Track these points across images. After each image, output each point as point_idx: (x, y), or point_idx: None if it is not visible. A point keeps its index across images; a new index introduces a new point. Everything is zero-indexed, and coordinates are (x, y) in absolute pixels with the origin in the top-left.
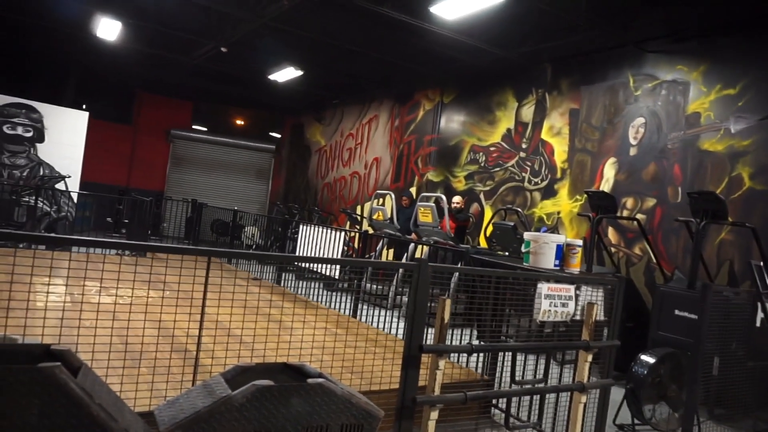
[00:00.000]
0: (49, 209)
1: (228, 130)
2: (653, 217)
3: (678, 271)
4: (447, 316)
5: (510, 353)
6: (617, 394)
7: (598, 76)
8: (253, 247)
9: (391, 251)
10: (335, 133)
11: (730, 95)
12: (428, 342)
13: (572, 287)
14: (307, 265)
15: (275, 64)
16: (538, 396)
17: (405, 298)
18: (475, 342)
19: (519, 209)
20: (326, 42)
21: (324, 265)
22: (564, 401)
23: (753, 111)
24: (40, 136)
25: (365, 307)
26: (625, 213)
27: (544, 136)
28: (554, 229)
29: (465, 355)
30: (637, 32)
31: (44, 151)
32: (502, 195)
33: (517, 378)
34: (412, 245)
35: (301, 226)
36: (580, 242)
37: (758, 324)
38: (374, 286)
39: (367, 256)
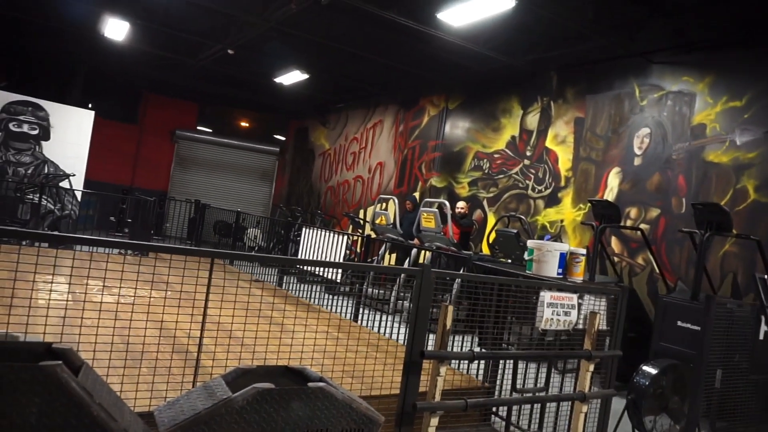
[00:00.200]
0: (53, 207)
1: (233, 131)
2: (657, 227)
3: (681, 282)
4: (449, 323)
5: (511, 361)
6: (618, 404)
7: (603, 85)
8: (255, 249)
9: (394, 256)
10: (339, 136)
11: (736, 107)
12: (430, 348)
13: (575, 296)
14: (309, 268)
15: (281, 67)
16: (539, 405)
17: (406, 304)
18: (477, 349)
19: (522, 217)
20: (332, 46)
21: (326, 269)
22: (565, 410)
23: (759, 123)
24: (45, 134)
25: (367, 311)
26: (629, 223)
27: (548, 144)
28: (557, 238)
29: (466, 361)
30: (644, 42)
31: (49, 149)
32: (506, 202)
33: (518, 386)
34: (414, 250)
35: (303, 229)
36: (583, 251)
37: (761, 337)
38: (376, 291)
39: (369, 260)
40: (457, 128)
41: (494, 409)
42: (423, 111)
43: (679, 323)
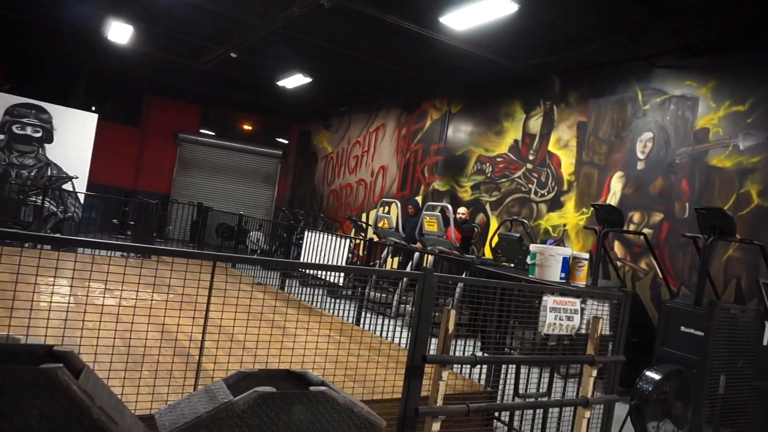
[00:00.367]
0: (55, 209)
1: (235, 134)
2: (660, 231)
3: (684, 287)
4: (451, 327)
5: (514, 366)
6: (621, 410)
7: (606, 89)
8: (258, 252)
9: (396, 259)
10: (342, 140)
11: (740, 112)
12: (432, 352)
13: (578, 301)
14: (311, 271)
15: (284, 70)
16: (542, 410)
17: (409, 307)
18: (479, 353)
19: (525, 221)
20: (335, 50)
21: (328, 272)
22: (567, 416)
23: (762, 128)
24: (48, 137)
25: (369, 315)
26: (632, 227)
27: (551, 148)
28: (560, 242)
29: (468, 366)
30: (646, 46)
31: (52, 152)
32: (508, 206)
33: (520, 391)
34: (417, 254)
35: (306, 232)
36: (586, 255)
37: (765, 343)
38: (378, 295)
39: (371, 263)
40: (459, 132)
41: (496, 414)
42: (425, 114)
43: (683, 328)
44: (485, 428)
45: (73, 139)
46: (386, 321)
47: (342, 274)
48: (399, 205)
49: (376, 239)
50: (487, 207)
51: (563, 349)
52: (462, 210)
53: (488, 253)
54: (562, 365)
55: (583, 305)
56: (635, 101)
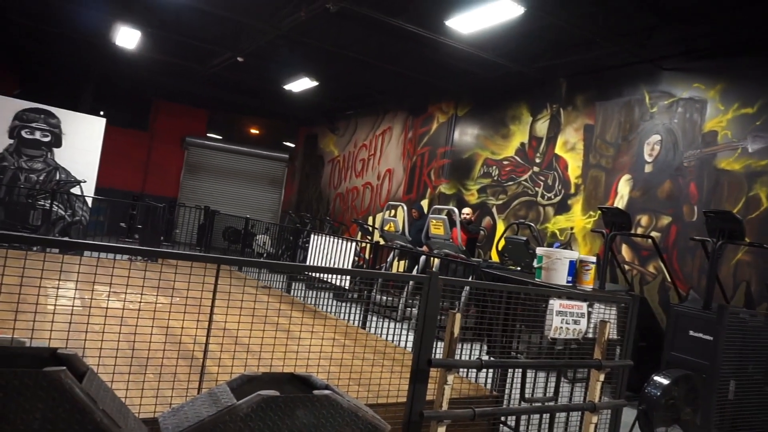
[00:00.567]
0: (63, 213)
1: (242, 138)
2: (668, 235)
3: (693, 291)
4: (457, 331)
5: (520, 370)
6: (629, 415)
7: (613, 92)
8: (264, 255)
9: (402, 263)
10: (349, 143)
11: (748, 114)
12: (437, 356)
13: (584, 304)
14: (317, 274)
15: (290, 74)
16: (548, 415)
17: (415, 311)
18: (485, 357)
19: (532, 224)
20: (341, 53)
21: (334, 275)
22: (574, 421)
23: None
24: (57, 141)
25: (375, 318)
26: (640, 230)
27: (558, 151)
28: (567, 245)
29: (474, 370)
30: (653, 49)
31: (61, 156)
32: (515, 209)
33: (526, 395)
34: (423, 257)
35: (312, 236)
36: (593, 259)
37: None
38: (384, 298)
39: (377, 267)
40: (466, 135)
41: (502, 418)
42: (432, 118)
43: (692, 333)
44: None
45: (82, 143)
46: (392, 324)
47: (348, 278)
48: (405, 208)
49: (382, 242)
50: (494, 210)
51: (570, 353)
52: (466, 210)
53: (495, 257)
54: (569, 370)
55: (590, 309)
56: (643, 104)
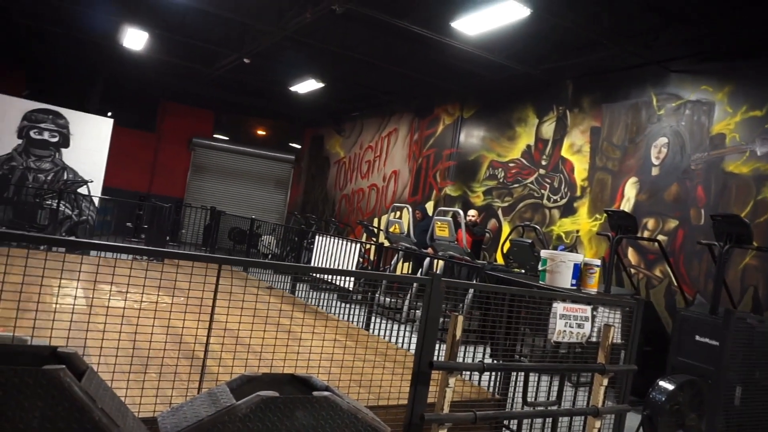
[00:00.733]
0: (70, 213)
1: (248, 139)
2: (675, 238)
3: (700, 295)
4: (459, 333)
5: (523, 373)
6: (633, 420)
7: (620, 94)
8: (270, 256)
9: (407, 265)
10: (354, 145)
11: (757, 117)
12: (439, 358)
13: (588, 308)
14: (322, 275)
15: (296, 75)
16: (551, 419)
17: (419, 313)
18: (488, 360)
19: (537, 226)
20: (347, 55)
21: (338, 277)
22: (577, 425)
23: None
24: (65, 142)
25: (378, 320)
26: (646, 234)
27: (564, 153)
28: (573, 248)
29: (476, 373)
30: (661, 51)
31: (69, 156)
32: (521, 212)
33: (529, 399)
34: (428, 259)
35: (317, 237)
36: (597, 262)
37: None
38: (388, 299)
39: (382, 268)
40: (471, 137)
41: (505, 422)
42: (438, 120)
43: (698, 338)
44: None
45: (89, 143)
46: (396, 326)
47: (352, 279)
48: (411, 210)
49: (387, 244)
50: (500, 212)
51: (574, 357)
52: (472, 212)
53: (500, 259)
54: (572, 374)
55: (594, 312)
56: (650, 106)
